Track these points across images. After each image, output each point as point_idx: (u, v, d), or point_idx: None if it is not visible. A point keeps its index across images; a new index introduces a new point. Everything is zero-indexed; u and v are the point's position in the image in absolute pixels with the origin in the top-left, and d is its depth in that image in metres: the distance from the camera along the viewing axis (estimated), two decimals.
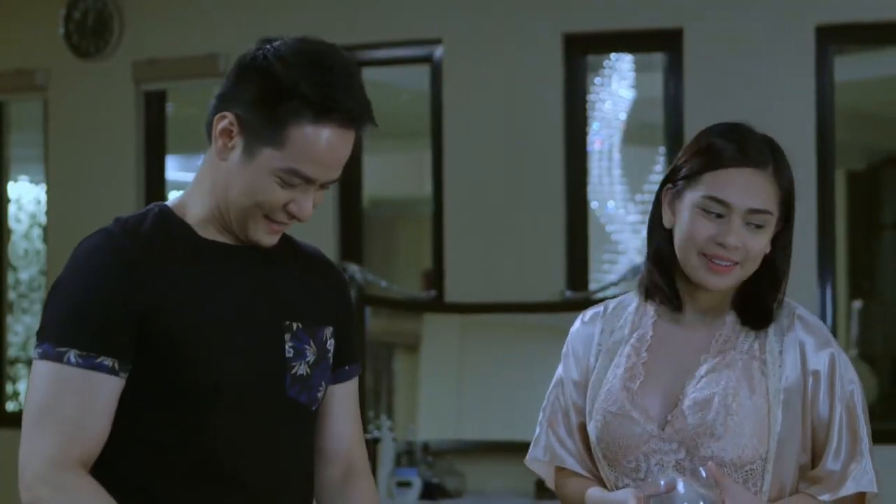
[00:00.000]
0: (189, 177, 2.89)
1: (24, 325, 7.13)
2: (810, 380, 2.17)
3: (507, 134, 5.42)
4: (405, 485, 5.08)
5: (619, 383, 2.24)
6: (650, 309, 2.31)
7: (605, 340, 2.33)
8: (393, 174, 5.94)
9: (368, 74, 5.49)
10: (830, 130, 5.20)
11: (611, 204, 5.38)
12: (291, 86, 1.90)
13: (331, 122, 1.93)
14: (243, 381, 1.98)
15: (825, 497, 2.15)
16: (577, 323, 2.42)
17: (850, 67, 5.26)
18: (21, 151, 6.64)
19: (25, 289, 7.24)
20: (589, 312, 2.42)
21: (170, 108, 6.06)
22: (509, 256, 5.39)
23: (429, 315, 5.51)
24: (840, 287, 5.32)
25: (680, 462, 2.15)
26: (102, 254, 1.95)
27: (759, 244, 2.16)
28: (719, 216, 2.15)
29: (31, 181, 7.32)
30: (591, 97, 5.44)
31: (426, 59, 5.49)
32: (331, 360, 2.10)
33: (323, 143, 1.93)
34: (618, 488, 2.21)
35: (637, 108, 5.44)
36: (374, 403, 5.42)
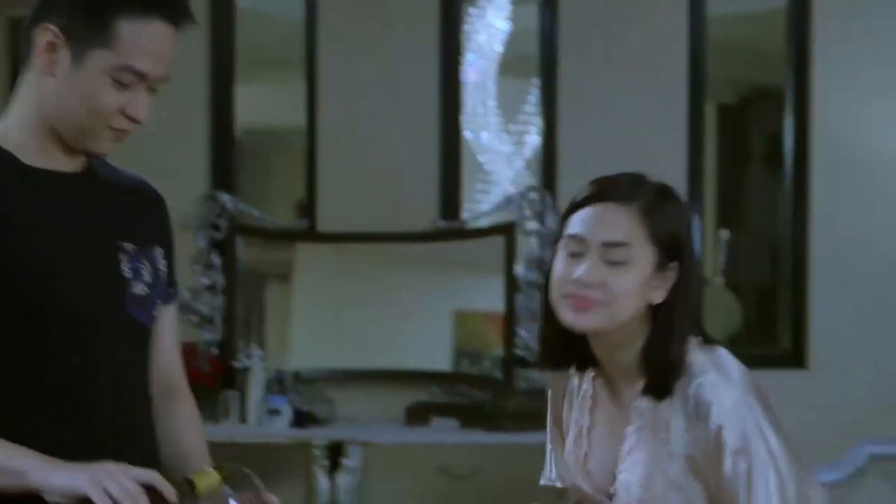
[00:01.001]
0: None
1: None
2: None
3: (381, 64, 5.39)
4: (275, 412, 5.07)
5: (572, 451, 2.24)
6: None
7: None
8: (267, 104, 5.87)
9: (243, 2, 5.41)
10: (702, 63, 5.27)
11: (484, 134, 5.38)
12: None
13: (155, 16, 1.96)
14: (82, 303, 1.99)
15: None
16: None
17: (723, 1, 5.32)
18: None
19: None
20: None
21: None
22: (382, 186, 5.38)
23: (301, 245, 5.49)
24: (708, 217, 5.41)
25: None
26: None
27: (623, 282, 2.02)
28: (578, 255, 2.05)
29: None
30: (466, 28, 5.42)
31: None
32: (164, 280, 2.13)
33: (151, 35, 1.96)
34: None
35: (512, 40, 5.43)
36: (245, 333, 5.40)
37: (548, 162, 5.26)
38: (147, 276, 2.08)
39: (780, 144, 5.31)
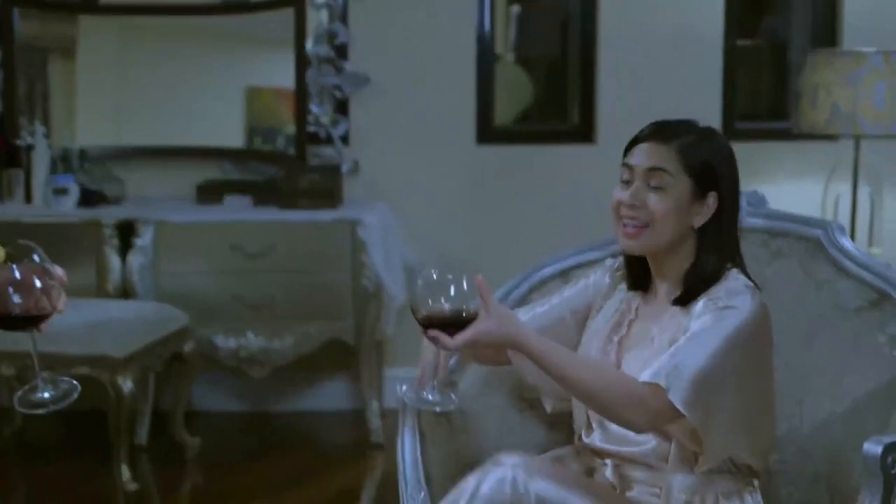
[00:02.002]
0: None
1: None
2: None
3: None
4: (62, 192, 4.95)
5: (597, 355, 2.49)
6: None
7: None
8: None
9: None
10: None
11: None
12: None
13: None
14: None
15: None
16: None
17: None
18: None
19: None
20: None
21: None
22: None
23: (84, 17, 5.29)
24: None
25: None
26: None
27: (660, 204, 2.37)
28: (628, 182, 2.41)
29: None
30: None
31: None
32: None
33: None
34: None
35: None
36: (27, 110, 5.22)
37: None
38: None
39: None
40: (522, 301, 2.81)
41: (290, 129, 5.24)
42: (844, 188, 5.06)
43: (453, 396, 2.27)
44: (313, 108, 5.22)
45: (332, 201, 4.99)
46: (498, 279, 2.77)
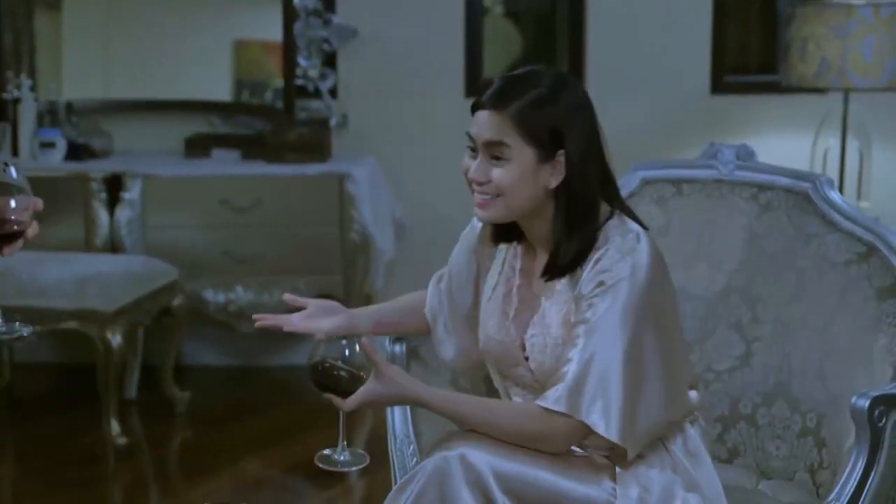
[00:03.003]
0: None
1: None
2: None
3: None
4: (49, 145, 4.94)
5: (497, 308, 2.42)
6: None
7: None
8: None
9: None
10: None
11: None
12: None
13: None
14: None
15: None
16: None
17: None
18: None
19: None
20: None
21: None
22: None
23: None
24: None
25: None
26: None
27: (505, 176, 2.25)
28: (474, 150, 2.30)
29: None
30: None
31: None
32: None
33: None
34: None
35: None
36: (13, 63, 5.19)
37: None
38: None
39: None
40: None
41: (278, 82, 5.22)
42: (833, 141, 5.06)
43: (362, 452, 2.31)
44: (301, 61, 5.20)
45: (320, 155, 4.98)
46: None
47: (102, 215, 4.80)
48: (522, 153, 2.25)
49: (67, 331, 4.34)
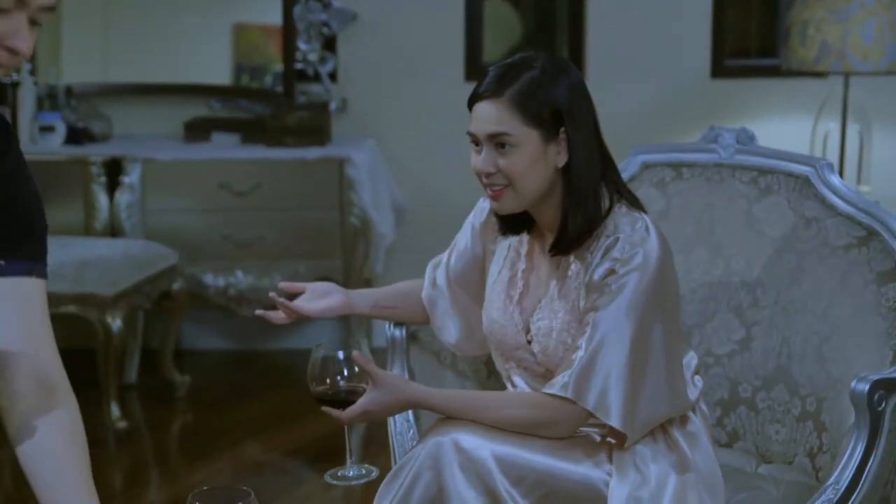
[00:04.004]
0: None
1: None
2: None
3: None
4: (49, 129, 4.93)
5: (503, 291, 2.42)
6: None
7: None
8: None
9: None
10: None
11: None
12: None
13: None
14: None
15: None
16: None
17: None
18: None
19: None
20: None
21: None
22: None
23: None
24: None
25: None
26: None
27: (515, 163, 2.26)
28: (478, 145, 2.30)
29: None
30: None
31: None
32: None
33: None
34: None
35: None
36: None
37: None
38: None
39: None
40: None
41: (278, 66, 5.22)
42: (833, 125, 5.05)
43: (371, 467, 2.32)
44: (301, 44, 5.19)
45: (319, 139, 4.98)
46: None
47: (102, 199, 4.80)
48: (528, 137, 2.26)
49: (67, 315, 4.34)
